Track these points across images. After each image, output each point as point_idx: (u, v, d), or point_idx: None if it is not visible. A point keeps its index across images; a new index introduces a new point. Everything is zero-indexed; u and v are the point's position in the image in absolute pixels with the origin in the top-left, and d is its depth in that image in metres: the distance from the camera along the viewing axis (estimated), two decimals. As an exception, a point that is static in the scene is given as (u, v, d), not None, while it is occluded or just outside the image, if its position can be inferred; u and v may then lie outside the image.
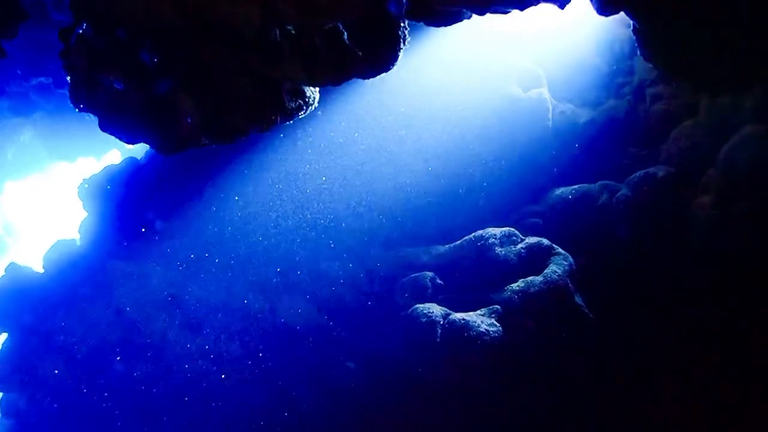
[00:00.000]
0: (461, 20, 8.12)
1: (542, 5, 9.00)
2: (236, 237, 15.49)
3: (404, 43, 7.94)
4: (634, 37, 9.48)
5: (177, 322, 14.49)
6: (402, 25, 7.89)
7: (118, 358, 15.02)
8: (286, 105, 7.29)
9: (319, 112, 13.79)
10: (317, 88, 7.89)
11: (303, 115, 7.78)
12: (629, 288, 14.29)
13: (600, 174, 15.99)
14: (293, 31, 6.59)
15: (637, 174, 14.91)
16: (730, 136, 14.33)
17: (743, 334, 12.95)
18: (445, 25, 8.06)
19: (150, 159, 16.34)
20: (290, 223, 15.33)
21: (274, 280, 14.83)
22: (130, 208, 15.86)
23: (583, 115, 16.66)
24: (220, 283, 14.78)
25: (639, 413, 12.96)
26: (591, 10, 17.19)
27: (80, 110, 7.34)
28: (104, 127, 7.37)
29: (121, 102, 7.02)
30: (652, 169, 14.77)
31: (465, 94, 16.34)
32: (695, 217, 14.03)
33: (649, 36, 8.82)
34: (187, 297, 14.63)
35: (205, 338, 14.58)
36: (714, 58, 8.72)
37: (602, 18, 17.34)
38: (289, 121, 7.66)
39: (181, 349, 14.55)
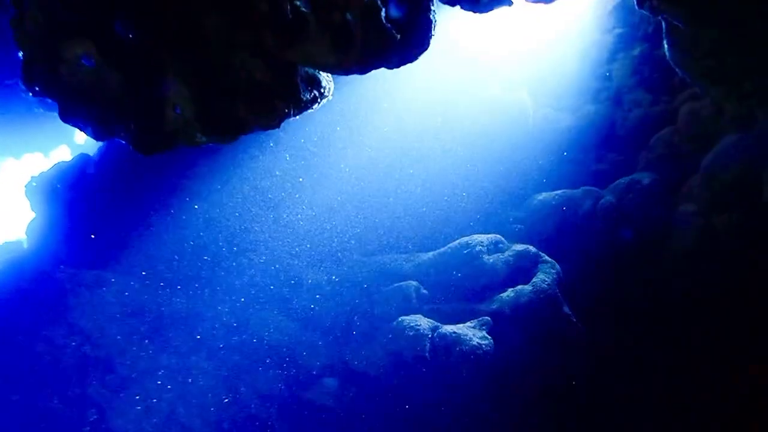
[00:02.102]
0: (502, 5, 6.66)
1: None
2: (202, 244, 13.43)
3: (434, 30, 6.41)
4: (666, 39, 8.28)
5: (136, 337, 12.32)
6: (432, 8, 6.34)
7: (70, 373, 12.75)
8: (301, 95, 5.62)
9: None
10: (331, 78, 6.24)
11: (316, 109, 6.13)
12: (614, 296, 13.33)
13: (579, 179, 14.98)
14: (321, 3, 4.94)
15: (622, 180, 13.95)
16: (710, 143, 13.62)
17: (730, 340, 12.20)
18: (484, 11, 6.56)
19: (103, 156, 14.06)
20: (263, 227, 13.41)
21: (246, 290, 12.90)
22: (82, 210, 13.56)
23: (563, 120, 15.57)
24: (185, 295, 12.71)
25: (633, 421, 12.02)
26: (569, 16, 16.37)
27: (35, 94, 5.40)
28: (67, 116, 5.45)
29: (90, 84, 5.15)
30: (636, 176, 13.83)
31: (447, 97, 14.94)
32: (680, 225, 13.21)
33: (689, 39, 7.61)
34: (147, 309, 12.48)
35: (168, 355, 12.52)
36: (754, 66, 7.66)
37: (581, 24, 16.56)
38: (299, 114, 5.98)
39: (141, 367, 12.42)
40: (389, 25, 5.43)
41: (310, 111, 6.10)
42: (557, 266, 13.05)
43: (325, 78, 6.10)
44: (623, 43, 15.41)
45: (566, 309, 12.65)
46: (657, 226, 13.40)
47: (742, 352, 12.20)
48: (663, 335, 12.88)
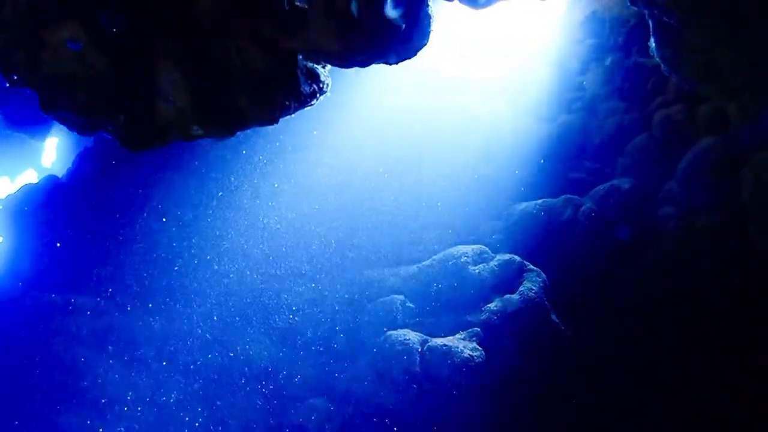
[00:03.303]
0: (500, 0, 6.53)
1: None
2: (173, 253, 12.76)
3: (432, 25, 6.22)
4: (654, 37, 8.31)
5: (113, 361, 11.55)
6: (430, 4, 6.15)
7: (40, 400, 11.87)
8: (301, 88, 5.30)
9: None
10: (329, 73, 5.95)
11: (314, 105, 5.82)
12: (599, 301, 13.26)
13: (557, 188, 14.98)
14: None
15: (602, 187, 13.93)
16: (685, 148, 13.86)
17: (719, 341, 12.23)
18: (482, 6, 6.42)
19: (71, 177, 13.34)
20: (238, 234, 12.84)
21: (225, 309, 12.29)
22: (51, 231, 12.78)
23: (539, 130, 15.63)
24: (163, 316, 12.02)
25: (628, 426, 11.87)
26: (541, 27, 16.61)
27: (13, 84, 4.92)
28: (48, 106, 4.95)
29: (75, 72, 4.71)
30: (616, 182, 13.85)
31: (422, 107, 14.84)
32: (661, 229, 13.31)
33: (680, 35, 7.64)
34: (123, 332, 11.74)
35: (139, 375, 11.75)
36: (745, 61, 7.74)
37: (553, 35, 16.80)
38: (297, 110, 5.65)
39: (111, 390, 11.62)
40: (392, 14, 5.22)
41: (311, 105, 5.77)
42: (543, 275, 12.87)
43: (324, 73, 5.80)
44: (595, 53, 15.59)
45: (554, 317, 12.53)
46: (639, 230, 13.50)
47: (733, 352, 12.29)
48: (650, 338, 12.87)
